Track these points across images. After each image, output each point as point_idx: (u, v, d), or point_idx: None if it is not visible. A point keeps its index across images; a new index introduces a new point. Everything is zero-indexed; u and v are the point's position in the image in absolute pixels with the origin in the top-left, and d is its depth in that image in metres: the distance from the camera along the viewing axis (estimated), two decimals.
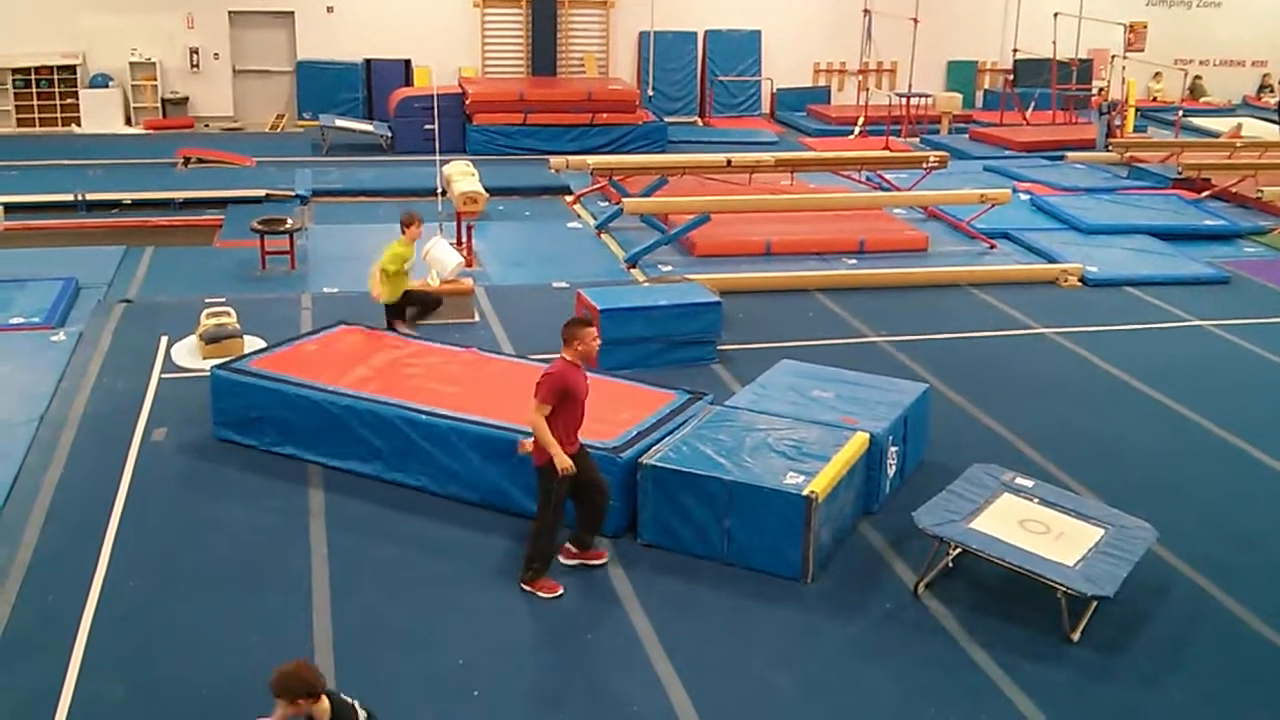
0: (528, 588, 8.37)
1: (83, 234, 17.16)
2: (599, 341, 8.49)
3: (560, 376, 8.14)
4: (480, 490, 9.44)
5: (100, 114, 23.86)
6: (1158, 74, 29.41)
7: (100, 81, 24.03)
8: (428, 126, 19.13)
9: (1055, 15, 26.09)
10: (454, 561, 8.76)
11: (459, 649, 7.70)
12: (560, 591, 8.35)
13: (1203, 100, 29.61)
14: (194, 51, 24.53)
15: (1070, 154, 23.57)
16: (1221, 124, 26.53)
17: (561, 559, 8.64)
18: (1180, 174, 21.02)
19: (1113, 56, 27.30)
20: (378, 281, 11.81)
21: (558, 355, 8.29)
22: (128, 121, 24.25)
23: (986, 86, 28.74)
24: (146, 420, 10.83)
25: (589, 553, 8.71)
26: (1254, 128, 26.11)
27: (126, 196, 18.29)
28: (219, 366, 10.57)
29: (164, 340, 12.63)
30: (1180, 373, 12.83)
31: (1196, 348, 13.73)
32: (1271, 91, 30.52)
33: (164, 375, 11.85)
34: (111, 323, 13.23)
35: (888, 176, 19.99)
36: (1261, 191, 19.60)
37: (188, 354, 12.29)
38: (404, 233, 11.85)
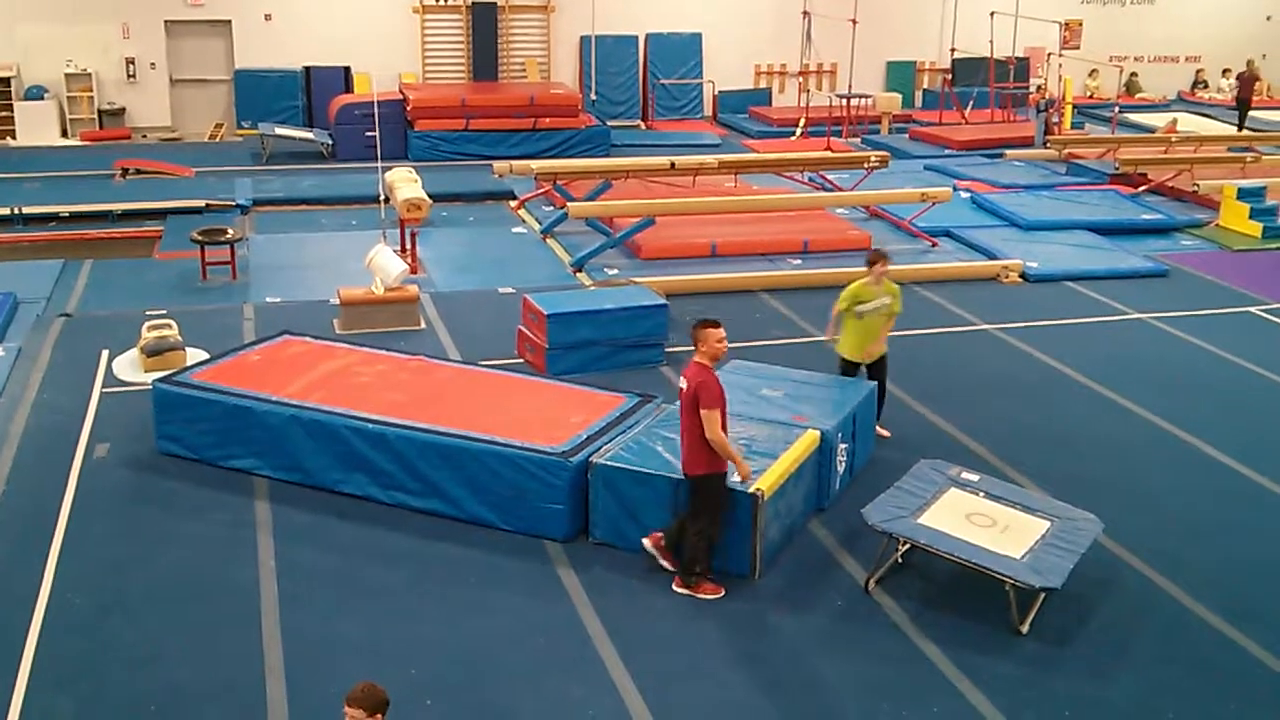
0: (685, 591, 8.43)
1: (20, 248, 16.91)
2: (725, 344, 8.46)
3: (716, 380, 8.23)
4: (428, 498, 9.39)
5: (36, 126, 23.48)
6: (1094, 71, 29.76)
7: (35, 93, 23.67)
8: (369, 133, 19.01)
9: (992, 14, 26.33)
10: (403, 570, 8.71)
11: (411, 658, 7.66)
12: (723, 593, 8.40)
13: (1138, 96, 29.96)
14: (130, 62, 24.22)
15: (1009, 151, 23.81)
16: (1157, 119, 26.89)
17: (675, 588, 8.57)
18: (1118, 169, 21.29)
19: (1049, 54, 27.61)
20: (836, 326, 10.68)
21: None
22: (64, 133, 23.89)
23: (925, 86, 28.94)
24: (89, 435, 10.69)
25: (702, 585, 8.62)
26: (1189, 122, 26.50)
27: (64, 209, 18.04)
28: (161, 379, 10.45)
29: (105, 354, 12.47)
30: (1121, 366, 12.98)
31: (1137, 340, 13.90)
32: (1205, 87, 30.97)
33: (105, 389, 11.70)
34: (51, 337, 13.04)
35: (830, 177, 20.08)
36: (1197, 185, 19.88)
37: (129, 367, 12.14)
38: (869, 270, 10.54)
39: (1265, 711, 7.44)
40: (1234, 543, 9.41)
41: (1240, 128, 26.47)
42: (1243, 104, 26.86)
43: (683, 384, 8.36)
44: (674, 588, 8.50)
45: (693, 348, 8.50)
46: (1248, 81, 26.96)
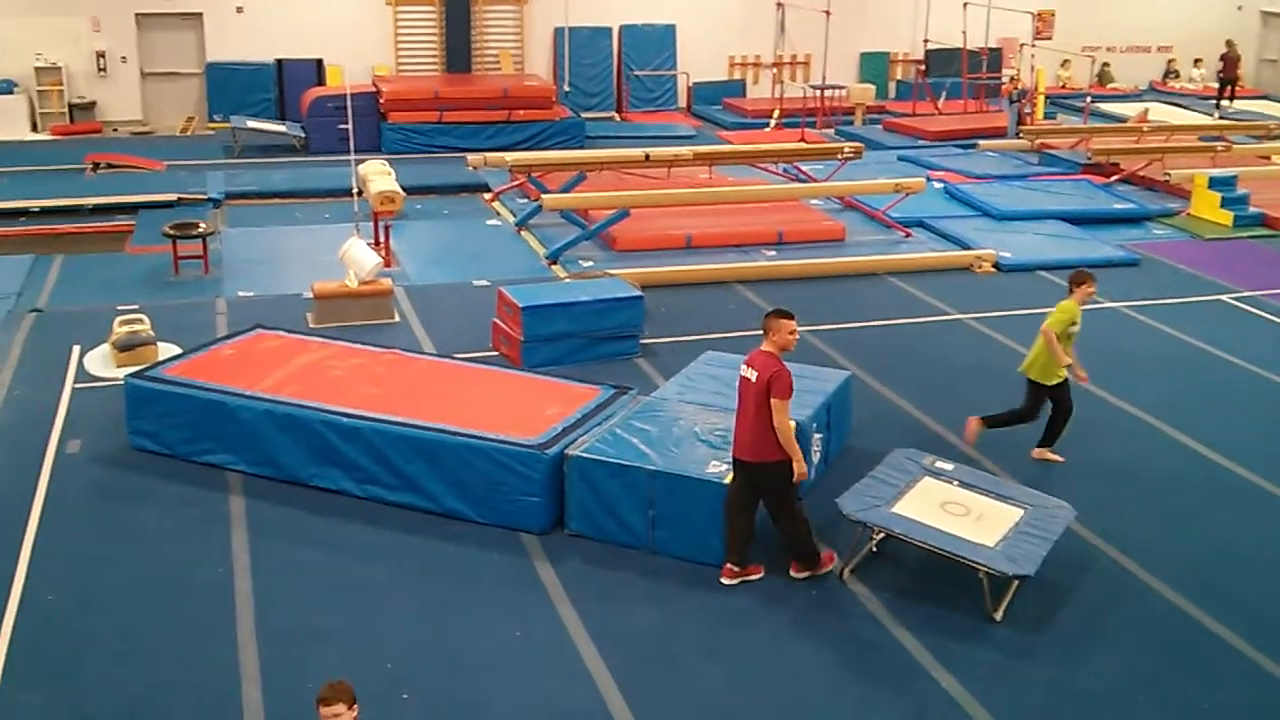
0: (807, 574, 8.49)
1: None
2: (796, 335, 8.38)
3: (788, 370, 8.16)
4: (403, 491, 9.37)
5: (5, 121, 23.27)
6: (1066, 61, 29.88)
7: (4, 87, 23.48)
8: (342, 126, 18.90)
9: (965, 5, 26.41)
10: (378, 564, 8.69)
11: (387, 652, 7.65)
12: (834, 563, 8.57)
13: (1110, 86, 30.14)
14: (101, 55, 24.06)
15: (982, 142, 23.89)
16: (1129, 109, 27.04)
17: (723, 579, 8.47)
18: (1090, 159, 21.41)
19: (1021, 45, 27.69)
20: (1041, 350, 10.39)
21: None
22: (34, 128, 23.72)
23: (899, 77, 29.00)
24: (61, 431, 10.62)
25: (749, 568, 8.55)
26: (1160, 112, 26.66)
27: (34, 204, 17.92)
28: (133, 375, 10.40)
29: (76, 349, 12.40)
30: (1095, 354, 12.98)
31: (1110, 329, 13.96)
32: (1177, 76, 31.13)
33: (77, 385, 11.63)
34: (21, 333, 12.96)
35: (804, 168, 20.12)
36: (1169, 174, 19.99)
37: (101, 363, 12.07)
38: (1073, 292, 10.47)
39: (1237, 696, 7.49)
40: (1207, 529, 9.48)
41: (1219, 105, 26.92)
42: (1226, 83, 27.38)
43: (747, 373, 8.23)
44: (792, 574, 8.53)
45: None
46: (1232, 61, 27.30)
